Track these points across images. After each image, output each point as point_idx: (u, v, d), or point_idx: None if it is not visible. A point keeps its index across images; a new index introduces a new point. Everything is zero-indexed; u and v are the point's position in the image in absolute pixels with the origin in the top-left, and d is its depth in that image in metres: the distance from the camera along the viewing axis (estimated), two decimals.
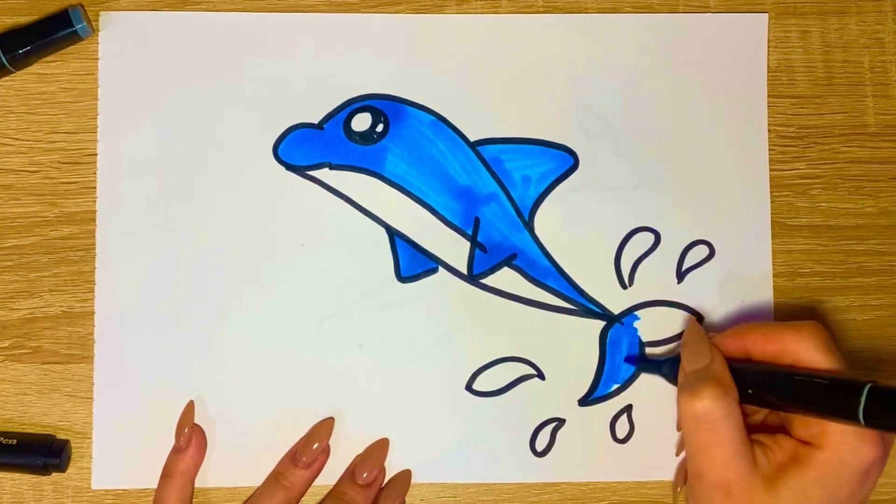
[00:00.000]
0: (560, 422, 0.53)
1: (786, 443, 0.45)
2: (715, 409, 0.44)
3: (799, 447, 0.45)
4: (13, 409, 0.53)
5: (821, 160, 0.54)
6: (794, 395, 0.44)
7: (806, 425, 0.45)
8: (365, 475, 0.51)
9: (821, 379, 0.44)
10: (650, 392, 0.53)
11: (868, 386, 0.41)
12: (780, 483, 0.44)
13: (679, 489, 0.52)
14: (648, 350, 0.53)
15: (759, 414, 0.49)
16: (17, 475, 0.53)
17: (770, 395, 0.45)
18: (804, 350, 0.45)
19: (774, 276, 0.54)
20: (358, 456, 0.52)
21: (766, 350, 0.46)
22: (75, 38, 0.52)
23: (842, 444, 0.43)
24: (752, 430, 0.46)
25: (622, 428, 0.53)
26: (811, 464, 0.44)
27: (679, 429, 0.53)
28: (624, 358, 0.53)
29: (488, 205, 0.53)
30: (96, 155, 0.53)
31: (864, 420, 0.41)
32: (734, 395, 0.45)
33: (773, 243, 0.54)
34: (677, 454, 0.53)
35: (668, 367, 0.51)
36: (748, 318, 0.53)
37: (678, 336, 0.53)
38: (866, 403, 0.41)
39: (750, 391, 0.46)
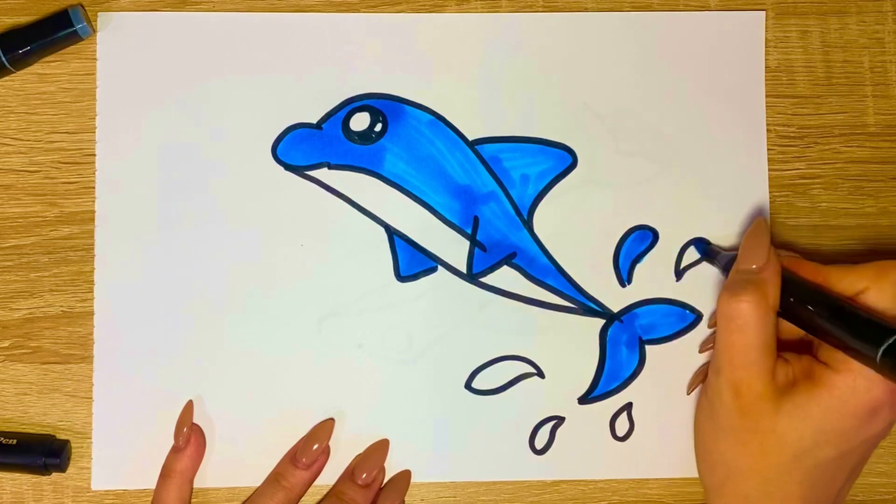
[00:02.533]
0: (560, 420, 0.53)
1: (806, 362, 0.47)
2: (750, 313, 0.45)
3: (816, 366, 0.46)
4: (13, 409, 0.53)
5: (821, 160, 0.54)
6: (832, 323, 0.45)
7: (831, 350, 0.45)
8: (364, 475, 0.51)
9: (863, 316, 0.44)
10: (650, 390, 0.53)
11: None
12: (788, 396, 0.45)
13: (693, 388, 0.53)
14: (650, 348, 0.53)
15: (793, 336, 0.49)
16: (17, 475, 0.53)
17: (809, 315, 0.46)
18: (876, 294, 0.45)
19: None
20: (358, 456, 0.52)
21: (839, 285, 0.46)
22: (75, 38, 0.52)
23: (859, 374, 0.44)
24: (781, 347, 0.47)
25: (622, 426, 0.53)
26: (823, 384, 0.45)
27: (711, 325, 0.53)
28: (692, 241, 0.53)
29: (487, 204, 0.53)
30: (95, 155, 0.53)
31: (880, 363, 0.42)
32: (773, 305, 0.46)
33: (772, 243, 0.54)
34: (700, 352, 0.53)
35: (724, 259, 0.51)
36: None
37: (679, 333, 0.53)
38: (887, 348, 0.41)
39: (791, 300, 0.46)
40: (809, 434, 0.45)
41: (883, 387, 0.44)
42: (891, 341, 0.41)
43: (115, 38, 0.53)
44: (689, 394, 0.53)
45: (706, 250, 0.53)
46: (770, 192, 0.54)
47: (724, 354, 0.46)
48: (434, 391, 0.53)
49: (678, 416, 0.53)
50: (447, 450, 0.53)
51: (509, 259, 0.53)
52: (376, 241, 0.53)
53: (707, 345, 0.53)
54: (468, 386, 0.53)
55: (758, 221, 0.50)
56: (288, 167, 0.53)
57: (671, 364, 0.53)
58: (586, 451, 0.53)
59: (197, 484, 0.52)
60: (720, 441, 0.47)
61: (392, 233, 0.53)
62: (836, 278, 0.46)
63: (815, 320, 0.45)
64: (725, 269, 0.50)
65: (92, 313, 0.53)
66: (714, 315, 0.53)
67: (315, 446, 0.51)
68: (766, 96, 0.54)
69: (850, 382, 0.44)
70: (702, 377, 0.52)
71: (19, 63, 0.52)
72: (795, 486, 0.46)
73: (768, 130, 0.54)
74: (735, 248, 0.51)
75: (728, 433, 0.47)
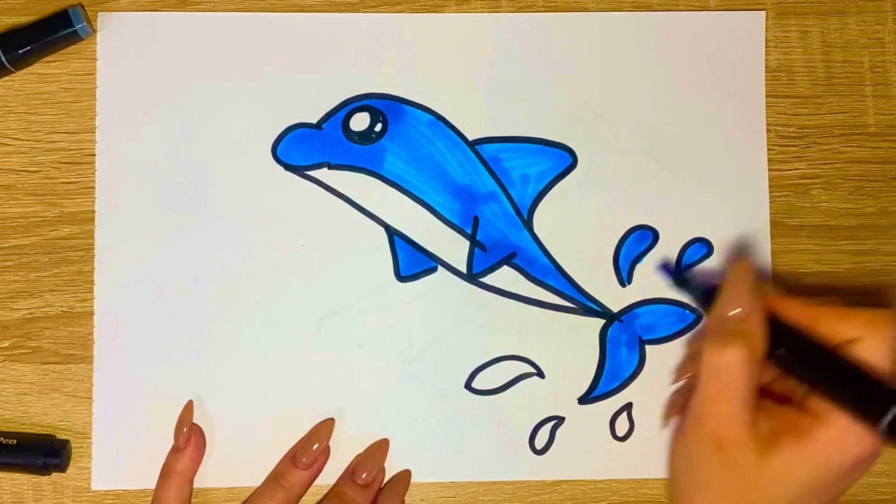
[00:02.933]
0: (559, 420, 0.53)
1: (788, 413, 0.44)
2: (736, 366, 0.43)
3: (801, 418, 0.44)
4: (13, 409, 0.53)
5: (821, 160, 0.54)
6: (828, 376, 0.43)
7: (817, 399, 0.44)
8: (364, 475, 0.51)
9: (863, 373, 0.42)
10: (650, 390, 0.53)
11: None
12: (772, 450, 0.43)
13: (668, 419, 0.52)
14: (650, 348, 0.53)
15: (769, 376, 0.47)
16: (17, 475, 0.53)
17: (802, 366, 0.44)
18: (873, 343, 0.43)
19: (774, 276, 0.54)
20: (358, 456, 0.52)
21: (831, 331, 0.44)
22: (75, 38, 0.52)
23: (848, 429, 0.42)
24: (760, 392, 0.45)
25: (622, 426, 0.53)
26: (810, 439, 0.43)
27: (686, 359, 0.52)
28: (659, 265, 0.52)
29: (487, 204, 0.53)
30: (95, 155, 0.53)
31: (885, 431, 0.41)
32: (760, 357, 0.44)
33: (773, 243, 0.54)
34: (673, 382, 0.52)
35: (703, 296, 0.49)
36: None
37: (679, 333, 0.53)
38: (894, 417, 0.40)
39: (782, 350, 0.44)
40: (796, 490, 0.43)
41: (872, 439, 0.42)
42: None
43: (115, 38, 0.53)
44: (662, 427, 0.52)
45: (675, 275, 0.52)
46: (770, 192, 0.54)
47: (706, 406, 0.44)
48: (434, 391, 0.53)
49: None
50: (447, 450, 0.53)
51: (509, 259, 0.53)
52: (376, 241, 0.53)
53: (680, 374, 0.52)
54: (468, 386, 0.53)
55: (739, 262, 0.47)
56: (288, 167, 0.53)
57: (671, 364, 0.53)
58: (586, 451, 0.53)
59: (197, 484, 0.52)
60: (699, 495, 0.45)
61: (392, 233, 0.53)
62: (828, 324, 0.44)
63: (806, 371, 0.44)
64: (702, 299, 0.49)
65: (92, 313, 0.53)
66: (681, 366, 0.53)
67: (315, 446, 0.51)
68: (766, 96, 0.54)
69: (839, 438, 0.42)
70: (677, 409, 0.50)
71: (19, 63, 0.52)
72: None
73: (768, 130, 0.54)
74: (710, 274, 0.50)
75: (708, 486, 0.44)
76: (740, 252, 0.53)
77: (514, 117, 0.53)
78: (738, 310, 0.45)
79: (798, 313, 0.45)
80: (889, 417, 0.40)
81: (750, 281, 0.46)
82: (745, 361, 0.43)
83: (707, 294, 0.48)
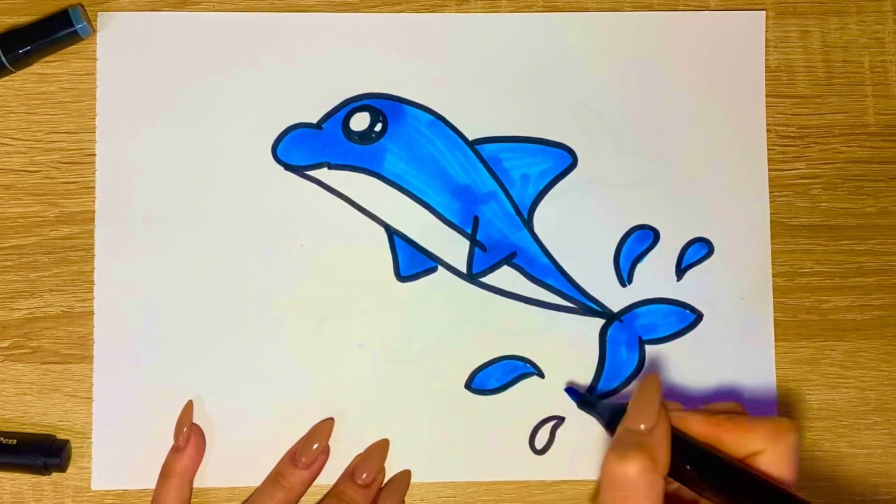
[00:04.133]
0: (559, 420, 0.53)
1: None
2: (637, 481, 0.42)
3: None
4: (13, 409, 0.53)
5: (821, 160, 0.54)
6: (732, 491, 0.43)
7: None
8: (364, 475, 0.51)
9: (767, 485, 0.42)
10: None
11: None
12: None
13: None
14: (650, 348, 0.53)
15: (675, 484, 0.47)
16: (17, 475, 0.53)
17: (707, 482, 0.44)
18: (773, 457, 0.44)
19: (774, 276, 0.54)
20: (358, 456, 0.52)
21: (734, 445, 0.44)
22: (75, 38, 0.52)
23: None
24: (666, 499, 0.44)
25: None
26: None
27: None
28: (566, 388, 0.52)
29: (487, 203, 0.53)
30: (95, 155, 0.53)
31: None
32: (663, 471, 0.43)
33: (773, 243, 0.54)
34: None
35: (608, 414, 0.48)
36: (747, 316, 0.53)
37: (679, 333, 0.53)
38: None
39: (688, 467, 0.44)
40: None
41: None
42: None
43: (115, 38, 0.53)
44: None
45: (583, 399, 0.51)
46: (770, 192, 0.54)
47: None
48: (434, 391, 0.53)
49: None
50: (447, 450, 0.53)
51: (509, 259, 0.53)
52: (376, 241, 0.53)
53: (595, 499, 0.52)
54: (468, 386, 0.53)
55: (648, 378, 0.46)
56: (288, 167, 0.53)
57: (671, 364, 0.53)
58: (586, 451, 0.53)
59: (197, 484, 0.52)
60: None
61: (392, 233, 0.53)
62: (730, 438, 0.44)
63: (710, 487, 0.43)
64: (609, 422, 0.48)
65: (92, 313, 0.53)
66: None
67: (315, 446, 0.51)
68: (766, 96, 0.54)
69: None
70: None
71: (19, 63, 0.52)
72: None
73: (768, 130, 0.54)
74: (614, 396, 0.50)
75: None
76: (649, 370, 0.53)
77: (513, 117, 0.53)
78: (643, 425, 0.44)
79: (702, 428, 0.45)
80: None
81: (658, 396, 0.45)
82: (647, 474, 0.42)
83: (614, 413, 0.47)
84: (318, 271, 0.53)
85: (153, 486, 0.51)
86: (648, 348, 0.53)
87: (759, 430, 0.44)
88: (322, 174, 0.53)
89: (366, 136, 0.53)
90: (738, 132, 0.54)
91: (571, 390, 0.52)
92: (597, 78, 0.54)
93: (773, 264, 0.54)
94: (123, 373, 0.52)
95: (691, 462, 0.44)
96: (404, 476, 0.53)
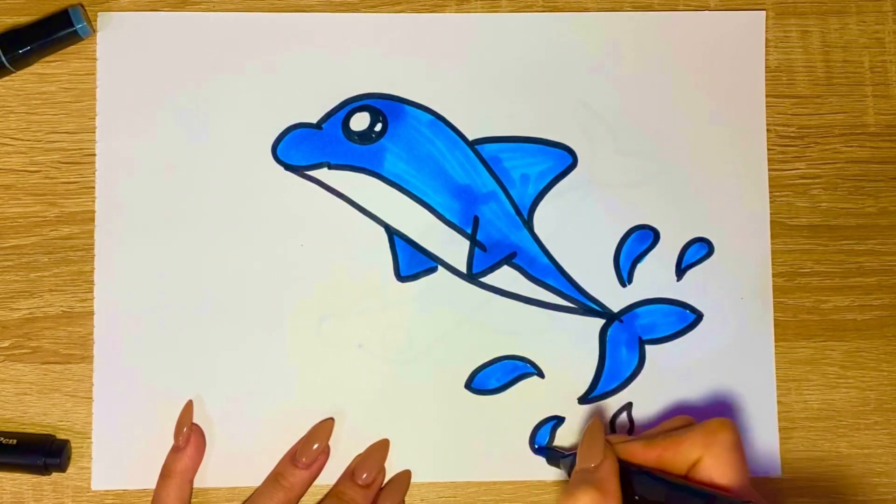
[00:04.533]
0: (560, 420, 0.53)
1: None
2: None
3: None
4: (13, 409, 0.53)
5: (821, 160, 0.54)
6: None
7: None
8: (365, 475, 0.51)
9: (711, 494, 0.43)
10: (650, 390, 0.53)
11: None
12: None
13: None
14: (650, 348, 0.53)
15: None
16: (17, 475, 0.53)
17: (650, 500, 0.45)
18: (710, 461, 0.45)
19: (774, 276, 0.54)
20: (358, 456, 0.52)
21: (675, 460, 0.46)
22: (75, 38, 0.52)
23: None
24: None
25: (622, 426, 0.53)
26: None
27: None
28: (534, 448, 0.53)
29: (487, 203, 0.53)
30: (95, 155, 0.53)
31: None
32: (614, 500, 0.44)
33: (773, 243, 0.54)
34: None
35: (567, 462, 0.50)
36: (747, 316, 0.53)
37: (679, 333, 0.53)
38: None
39: (636, 497, 0.45)
40: None
41: None
42: None
43: (115, 38, 0.53)
44: None
45: (549, 455, 0.52)
46: (770, 192, 0.54)
47: None
48: (434, 391, 0.53)
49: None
50: (447, 450, 0.53)
51: (509, 259, 0.53)
52: (376, 241, 0.53)
53: None
54: (468, 386, 0.53)
55: (592, 423, 0.49)
56: (288, 167, 0.53)
57: (671, 364, 0.53)
58: None
59: (197, 484, 0.52)
60: None
61: (392, 233, 0.53)
62: (670, 454, 0.46)
63: None
64: (566, 468, 0.50)
65: (92, 313, 0.53)
66: None
67: (315, 446, 0.51)
68: (766, 96, 0.54)
69: None
70: None
71: (19, 63, 0.52)
72: None
73: (768, 130, 0.54)
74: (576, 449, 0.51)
75: None
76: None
77: (513, 117, 0.53)
78: (592, 463, 0.46)
79: (644, 453, 0.46)
80: None
81: (601, 437, 0.47)
82: None
83: (573, 460, 0.48)
84: (318, 271, 0.53)
85: (153, 486, 0.51)
86: (648, 348, 0.53)
87: (691, 440, 0.45)
88: (322, 174, 0.53)
89: (366, 136, 0.53)
90: (738, 132, 0.54)
91: (541, 450, 0.53)
92: (597, 78, 0.54)
93: (773, 264, 0.54)
94: (123, 373, 0.52)
95: (641, 487, 0.45)
96: (404, 476, 0.53)
